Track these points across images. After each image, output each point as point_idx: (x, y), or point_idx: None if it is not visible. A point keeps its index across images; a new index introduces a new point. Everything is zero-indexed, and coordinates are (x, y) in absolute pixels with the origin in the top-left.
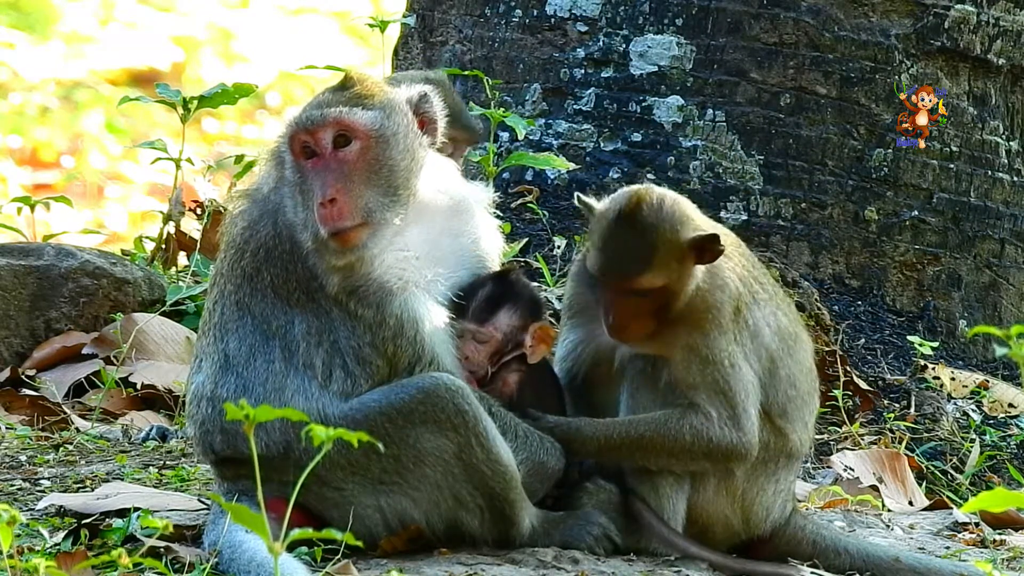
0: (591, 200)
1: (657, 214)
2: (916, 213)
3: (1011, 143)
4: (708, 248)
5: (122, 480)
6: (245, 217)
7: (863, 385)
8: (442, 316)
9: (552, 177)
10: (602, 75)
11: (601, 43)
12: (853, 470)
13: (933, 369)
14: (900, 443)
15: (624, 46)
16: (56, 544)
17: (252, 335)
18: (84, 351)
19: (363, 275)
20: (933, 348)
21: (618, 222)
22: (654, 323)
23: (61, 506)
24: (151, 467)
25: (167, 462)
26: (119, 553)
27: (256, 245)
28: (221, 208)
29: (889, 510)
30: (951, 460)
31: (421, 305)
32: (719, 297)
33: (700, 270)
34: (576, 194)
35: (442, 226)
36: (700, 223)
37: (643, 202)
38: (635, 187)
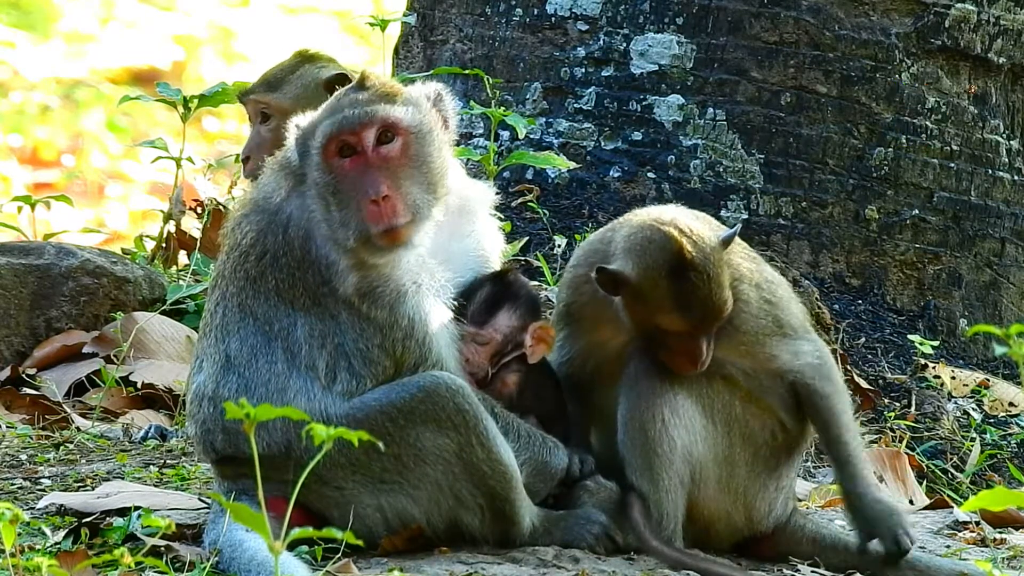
0: (612, 267)
1: (699, 244)
2: (917, 212)
3: (1011, 142)
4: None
5: (123, 479)
6: (253, 225)
7: (864, 384)
8: (448, 318)
9: (553, 176)
10: (602, 74)
11: (601, 42)
12: None
13: (934, 368)
14: (901, 442)
15: (624, 45)
16: (56, 543)
17: (254, 336)
18: (84, 350)
19: (381, 276)
20: (934, 347)
21: (679, 274)
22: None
23: (61, 505)
24: (151, 466)
25: (167, 461)
26: (121, 552)
27: (262, 250)
28: (222, 207)
29: None
30: (952, 459)
31: (431, 307)
32: (742, 288)
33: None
34: (593, 276)
35: (450, 227)
36: (708, 223)
37: (682, 245)
38: (649, 231)
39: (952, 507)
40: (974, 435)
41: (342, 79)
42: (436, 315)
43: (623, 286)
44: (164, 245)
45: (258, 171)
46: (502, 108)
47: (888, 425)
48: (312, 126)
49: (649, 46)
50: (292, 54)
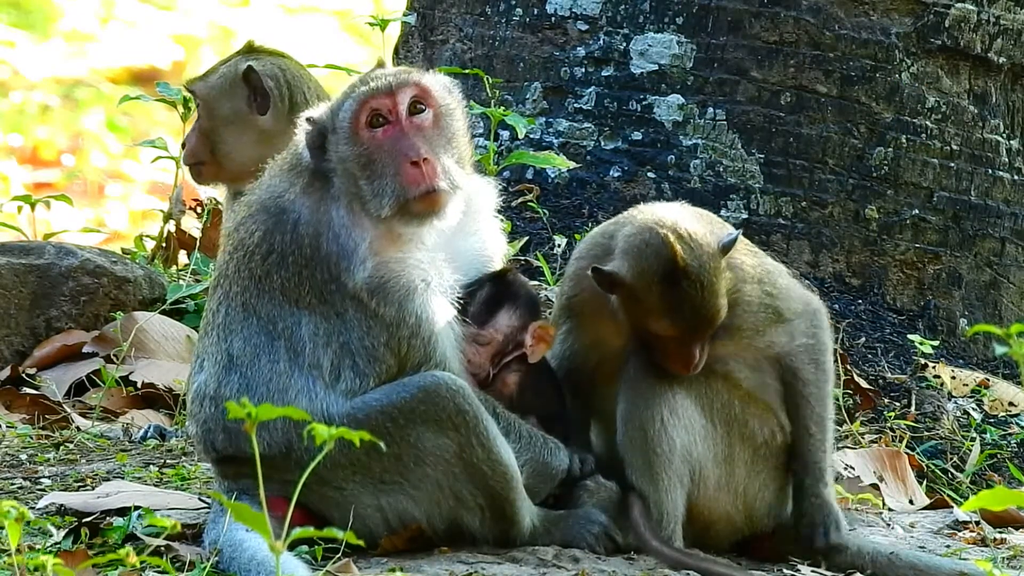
0: (608, 267)
1: (695, 252)
2: (916, 212)
3: (1011, 142)
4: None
5: (123, 479)
6: (260, 225)
7: (864, 384)
8: (454, 319)
9: (552, 176)
10: (602, 74)
11: (601, 42)
12: (854, 468)
13: (934, 368)
14: (901, 442)
15: (624, 45)
16: (56, 543)
17: (257, 335)
18: (84, 350)
19: (393, 270)
20: (934, 347)
21: (672, 281)
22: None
23: (61, 505)
24: (151, 466)
25: (167, 461)
26: (127, 552)
27: (268, 249)
28: (221, 206)
29: (890, 509)
30: (952, 459)
31: (438, 306)
32: (745, 290)
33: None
34: (591, 273)
35: (457, 224)
36: (711, 225)
37: (676, 252)
38: (648, 233)
39: (952, 507)
40: (974, 435)
41: (252, 71)
42: (442, 314)
43: (618, 286)
44: (164, 245)
45: (188, 160)
46: (502, 108)
47: (888, 425)
48: (333, 109)
49: (649, 46)
50: (243, 45)
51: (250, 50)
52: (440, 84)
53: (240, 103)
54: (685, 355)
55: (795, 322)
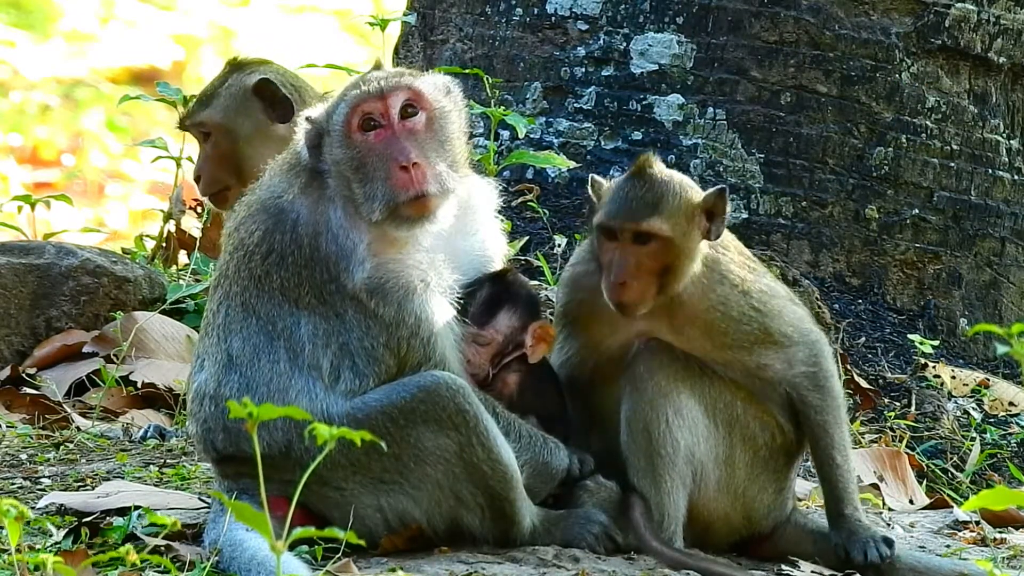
0: (603, 180)
1: (669, 172)
2: (917, 211)
3: (1012, 141)
4: (717, 213)
5: (123, 478)
6: (259, 225)
7: (864, 384)
8: (453, 319)
9: (553, 175)
10: (603, 73)
11: (602, 41)
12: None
13: (934, 367)
14: (901, 441)
15: (625, 44)
16: (56, 542)
17: (256, 335)
18: (85, 349)
19: (391, 271)
20: (934, 346)
21: (630, 176)
22: (654, 289)
23: (61, 504)
24: (151, 465)
25: (167, 460)
26: (127, 550)
27: (268, 249)
28: None
29: (890, 508)
30: (952, 458)
31: (437, 306)
32: (721, 292)
33: (704, 249)
34: (588, 183)
35: (456, 225)
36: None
37: (655, 162)
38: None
39: (952, 507)
40: (974, 435)
41: (266, 83)
42: (442, 315)
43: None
44: (164, 244)
45: (212, 188)
46: (502, 108)
47: (888, 425)
48: (328, 112)
49: (649, 46)
50: (224, 64)
51: (238, 65)
52: (435, 86)
53: (258, 117)
54: (617, 264)
55: (791, 349)
